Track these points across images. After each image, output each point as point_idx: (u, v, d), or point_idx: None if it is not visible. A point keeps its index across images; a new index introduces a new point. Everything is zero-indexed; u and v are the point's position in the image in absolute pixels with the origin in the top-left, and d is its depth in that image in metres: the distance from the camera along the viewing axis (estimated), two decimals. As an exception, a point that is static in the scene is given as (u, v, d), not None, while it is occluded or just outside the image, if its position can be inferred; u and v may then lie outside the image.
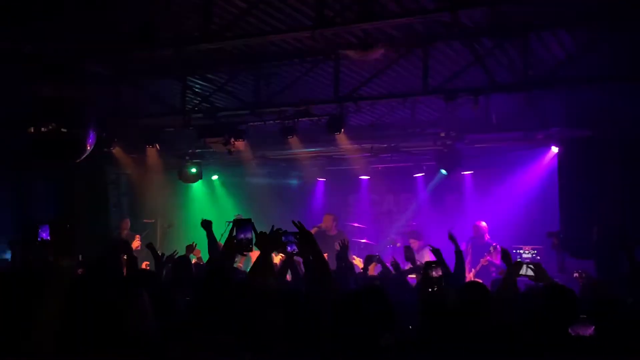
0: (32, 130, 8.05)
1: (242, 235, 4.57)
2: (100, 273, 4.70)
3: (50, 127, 7.96)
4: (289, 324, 3.55)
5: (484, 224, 11.27)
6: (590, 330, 3.40)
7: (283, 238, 4.22)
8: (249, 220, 4.65)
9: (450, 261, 6.45)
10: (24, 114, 8.42)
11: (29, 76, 8.24)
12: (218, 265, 4.69)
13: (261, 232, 4.00)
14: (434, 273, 5.77)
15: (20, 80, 8.42)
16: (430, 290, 5.44)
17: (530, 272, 5.21)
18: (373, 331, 3.34)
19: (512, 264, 5.32)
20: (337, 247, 6.97)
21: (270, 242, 4.07)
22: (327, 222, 11.73)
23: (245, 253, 4.87)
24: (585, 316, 3.47)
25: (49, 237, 3.73)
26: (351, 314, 3.58)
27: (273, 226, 4.36)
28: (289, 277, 6.59)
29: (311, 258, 4.29)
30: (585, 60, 8.02)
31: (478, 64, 8.20)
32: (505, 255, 5.66)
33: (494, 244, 10.58)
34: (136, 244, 9.86)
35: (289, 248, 6.45)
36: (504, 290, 4.92)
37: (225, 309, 3.75)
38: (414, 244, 11.03)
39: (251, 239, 4.46)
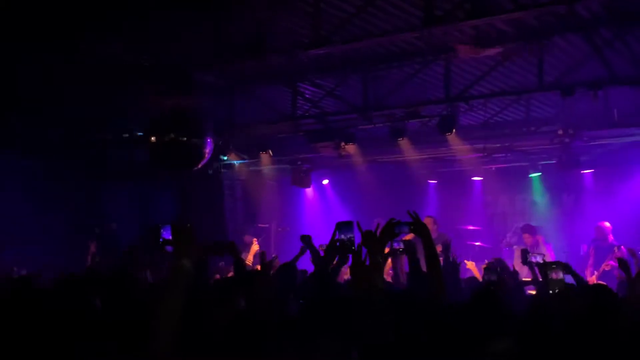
0: (154, 140, 8.45)
1: (343, 236, 4.57)
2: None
3: (171, 136, 8.32)
4: (397, 327, 3.49)
5: (607, 224, 10.68)
6: None
7: (396, 229, 4.13)
8: (351, 222, 4.61)
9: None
10: (147, 125, 8.86)
11: (149, 89, 8.67)
12: (322, 269, 4.71)
13: (367, 230, 3.96)
14: (554, 275, 5.54)
15: (140, 93, 8.87)
16: (551, 292, 5.23)
17: None
18: (484, 337, 3.25)
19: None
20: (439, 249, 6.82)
21: (381, 235, 3.99)
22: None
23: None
24: None
25: (170, 237, 3.88)
26: (463, 319, 3.50)
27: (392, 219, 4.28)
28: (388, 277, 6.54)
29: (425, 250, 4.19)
30: None
31: (596, 56, 7.83)
32: (622, 263, 5.29)
33: (619, 245, 10.00)
34: (255, 247, 10.09)
35: (395, 245, 6.40)
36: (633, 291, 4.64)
37: (332, 312, 3.77)
38: (528, 239, 10.66)
39: (352, 239, 4.42)
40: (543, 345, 3.35)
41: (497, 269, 6.31)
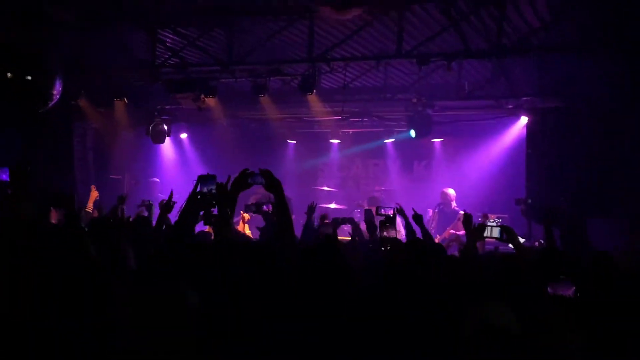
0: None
1: (205, 189, 4.49)
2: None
3: (13, 73, 7.72)
4: (253, 277, 3.53)
5: (451, 190, 11.36)
6: (571, 291, 3.43)
7: (250, 179, 4.14)
8: (214, 175, 4.57)
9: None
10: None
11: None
12: (178, 221, 4.62)
13: (219, 183, 3.91)
14: (385, 233, 5.87)
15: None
16: (383, 249, 5.52)
17: (495, 234, 5.22)
18: (330, 286, 3.34)
19: (472, 228, 5.32)
20: None
21: (233, 186, 3.99)
22: None
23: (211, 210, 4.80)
24: (564, 277, 3.49)
25: (7, 180, 3.64)
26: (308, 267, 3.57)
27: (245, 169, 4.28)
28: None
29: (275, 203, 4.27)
30: (558, 30, 8.04)
31: (453, 29, 8.16)
32: (467, 219, 5.63)
33: (462, 212, 10.63)
34: (94, 194, 9.61)
35: (264, 207, 6.45)
36: (465, 252, 4.96)
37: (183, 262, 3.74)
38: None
39: (213, 191, 4.38)
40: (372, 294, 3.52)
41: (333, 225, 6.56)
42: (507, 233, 5.13)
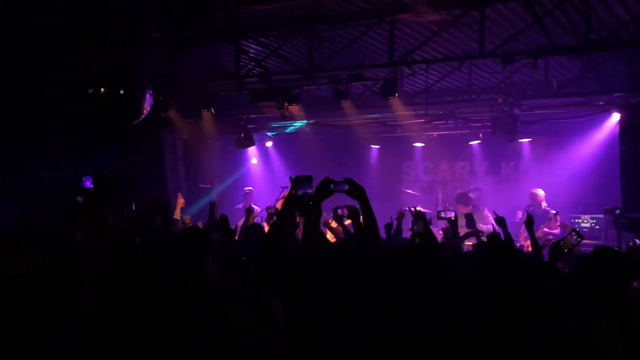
0: (91, 93, 8.22)
1: (301, 192, 4.40)
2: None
3: (107, 89, 8.12)
4: (338, 281, 3.54)
5: (540, 191, 11.01)
6: None
7: (333, 186, 4.11)
8: (309, 176, 4.46)
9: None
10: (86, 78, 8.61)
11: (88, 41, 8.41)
12: (276, 223, 4.62)
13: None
14: (415, 227, 5.89)
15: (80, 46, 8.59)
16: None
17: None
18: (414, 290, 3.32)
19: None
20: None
21: (316, 193, 3.99)
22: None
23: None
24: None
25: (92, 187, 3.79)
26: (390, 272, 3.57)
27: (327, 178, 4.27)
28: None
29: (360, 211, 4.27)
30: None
31: (537, 26, 7.95)
32: (500, 221, 5.68)
33: (554, 212, 10.30)
34: (180, 201, 9.92)
35: (339, 211, 6.46)
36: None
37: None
38: (463, 209, 10.88)
39: (311, 194, 4.29)
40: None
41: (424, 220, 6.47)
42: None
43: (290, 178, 4.26)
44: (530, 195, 11.02)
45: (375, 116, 11.93)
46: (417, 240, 4.91)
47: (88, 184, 4.10)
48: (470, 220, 7.40)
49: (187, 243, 4.19)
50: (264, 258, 4.02)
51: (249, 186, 13.08)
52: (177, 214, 8.85)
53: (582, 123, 11.12)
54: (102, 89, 8.12)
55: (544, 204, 10.87)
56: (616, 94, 9.57)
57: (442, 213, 6.86)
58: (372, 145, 14.47)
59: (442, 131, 12.92)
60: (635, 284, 3.31)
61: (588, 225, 10.20)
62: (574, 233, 4.68)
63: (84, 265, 2.93)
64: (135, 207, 5.83)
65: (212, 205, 7.46)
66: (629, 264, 3.37)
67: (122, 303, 3.23)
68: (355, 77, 9.68)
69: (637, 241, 7.46)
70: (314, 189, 4.32)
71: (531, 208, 10.85)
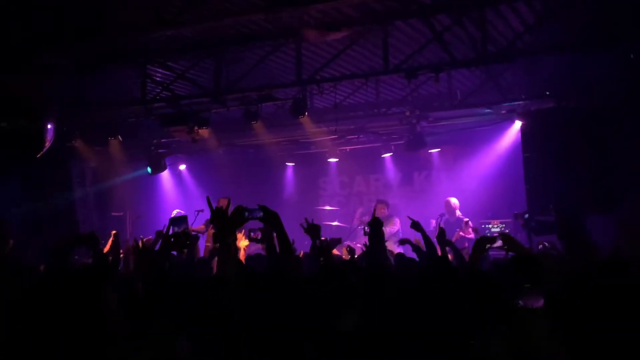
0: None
1: (175, 229, 4.84)
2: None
3: (5, 122, 7.79)
4: (256, 308, 3.51)
5: (454, 200, 11.36)
6: (540, 302, 3.39)
7: (247, 214, 4.13)
8: (184, 216, 5.17)
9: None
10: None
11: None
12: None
13: (217, 207, 3.87)
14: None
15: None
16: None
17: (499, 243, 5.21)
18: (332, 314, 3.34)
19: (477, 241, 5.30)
20: None
21: (231, 218, 3.93)
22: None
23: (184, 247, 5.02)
24: (530, 286, 3.45)
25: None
26: (311, 296, 3.58)
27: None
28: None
29: (275, 237, 4.28)
30: (543, 31, 8.06)
31: (437, 41, 8.20)
32: (417, 225, 5.96)
33: (466, 219, 10.69)
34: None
35: (252, 234, 6.43)
36: (473, 264, 4.95)
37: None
38: (382, 210, 11.13)
39: (186, 232, 4.75)
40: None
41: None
42: (507, 242, 5.09)
43: (207, 199, 4.23)
44: (446, 203, 11.37)
45: (288, 134, 11.96)
46: (321, 259, 4.94)
47: None
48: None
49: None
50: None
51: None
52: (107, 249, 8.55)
53: (487, 131, 11.51)
54: (3, 123, 7.77)
55: (458, 212, 11.22)
56: (517, 102, 9.96)
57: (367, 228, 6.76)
58: (287, 163, 14.49)
59: (354, 145, 13.09)
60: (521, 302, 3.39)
61: (498, 229, 10.53)
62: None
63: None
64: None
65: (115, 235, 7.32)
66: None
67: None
68: (265, 98, 9.67)
69: (547, 244, 7.75)
70: (188, 225, 4.86)
71: (445, 216, 11.17)
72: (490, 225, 10.76)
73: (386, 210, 11.55)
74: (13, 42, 7.90)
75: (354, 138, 12.62)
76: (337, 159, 13.82)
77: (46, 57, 8.60)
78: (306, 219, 5.51)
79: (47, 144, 8.40)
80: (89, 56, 8.95)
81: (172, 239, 4.59)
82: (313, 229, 5.46)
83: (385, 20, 8.03)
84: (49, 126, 8.27)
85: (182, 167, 14.52)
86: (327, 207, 13.39)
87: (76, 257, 8.56)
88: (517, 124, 10.49)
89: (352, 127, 11.69)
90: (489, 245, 5.20)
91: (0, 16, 7.26)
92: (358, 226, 11.68)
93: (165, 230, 4.90)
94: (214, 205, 3.82)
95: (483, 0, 7.61)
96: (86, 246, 5.59)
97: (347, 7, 7.56)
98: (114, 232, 10.32)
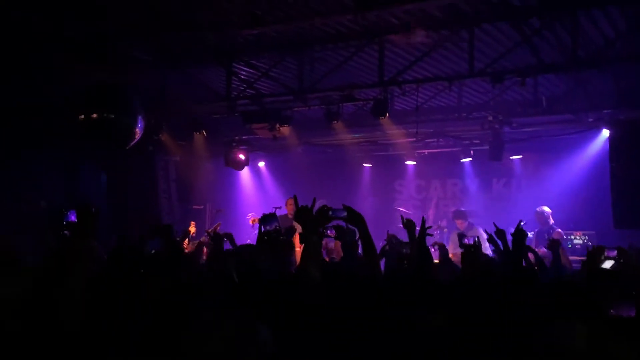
0: (82, 117, 8.21)
1: (268, 228, 4.83)
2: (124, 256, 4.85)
3: (99, 114, 8.10)
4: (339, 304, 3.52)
5: (546, 209, 10.81)
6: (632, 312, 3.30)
7: (330, 213, 4.14)
8: (273, 213, 5.04)
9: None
10: (74, 101, 8.59)
11: (71, 60, 8.38)
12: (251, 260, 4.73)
13: (302, 206, 3.88)
14: (404, 250, 5.88)
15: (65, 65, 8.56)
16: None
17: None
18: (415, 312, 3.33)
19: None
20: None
21: (316, 216, 3.95)
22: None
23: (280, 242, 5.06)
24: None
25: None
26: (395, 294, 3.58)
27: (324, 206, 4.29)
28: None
29: (358, 239, 4.31)
30: (635, 37, 7.78)
31: (525, 45, 8.03)
32: (500, 234, 5.60)
33: (559, 229, 10.21)
34: (192, 229, 9.96)
35: (328, 232, 6.47)
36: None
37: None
38: (461, 224, 10.91)
39: (279, 228, 4.73)
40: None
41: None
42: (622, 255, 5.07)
43: (294, 197, 4.28)
44: (537, 213, 10.77)
45: (367, 135, 11.97)
46: (405, 262, 4.92)
47: (73, 217, 4.17)
48: (461, 239, 7.36)
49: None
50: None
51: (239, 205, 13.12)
52: (186, 243, 8.79)
53: (572, 139, 11.18)
54: (93, 114, 8.09)
55: (551, 221, 10.69)
56: (605, 111, 9.65)
57: (465, 240, 6.53)
58: (364, 164, 14.50)
59: (433, 149, 12.96)
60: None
61: (580, 242, 10.22)
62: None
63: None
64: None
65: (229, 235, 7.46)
66: None
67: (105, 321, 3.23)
68: (346, 98, 9.71)
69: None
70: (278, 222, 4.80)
71: (539, 226, 10.63)
72: (572, 237, 10.43)
73: (465, 222, 11.17)
74: (103, 33, 8.19)
75: (433, 141, 12.51)
76: (415, 162, 13.72)
77: (136, 52, 8.94)
78: (402, 216, 5.58)
79: (137, 137, 8.69)
80: (175, 52, 9.23)
81: (266, 237, 4.66)
82: (409, 225, 5.48)
83: (472, 23, 7.92)
84: (139, 119, 8.54)
85: (261, 164, 14.77)
86: (403, 209, 13.30)
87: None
88: (605, 133, 10.16)
89: (432, 130, 11.58)
90: (604, 255, 5.18)
91: (91, 4, 7.51)
92: (437, 230, 11.51)
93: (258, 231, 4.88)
94: (299, 204, 3.88)
95: (575, 3, 7.41)
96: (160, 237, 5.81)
97: (434, 8, 7.51)
98: (192, 223, 10.70)
